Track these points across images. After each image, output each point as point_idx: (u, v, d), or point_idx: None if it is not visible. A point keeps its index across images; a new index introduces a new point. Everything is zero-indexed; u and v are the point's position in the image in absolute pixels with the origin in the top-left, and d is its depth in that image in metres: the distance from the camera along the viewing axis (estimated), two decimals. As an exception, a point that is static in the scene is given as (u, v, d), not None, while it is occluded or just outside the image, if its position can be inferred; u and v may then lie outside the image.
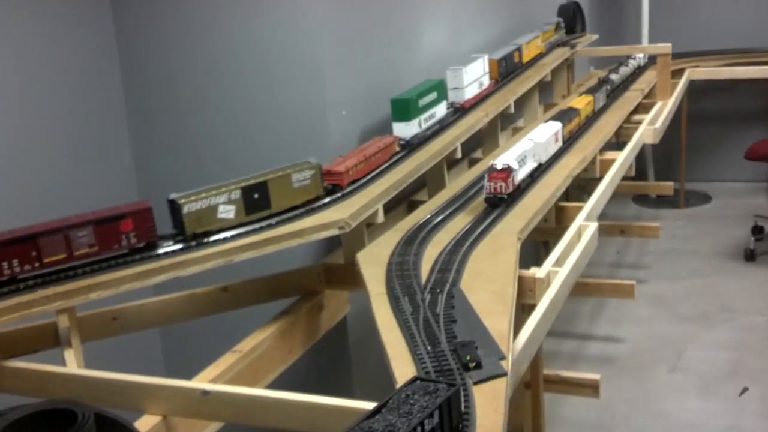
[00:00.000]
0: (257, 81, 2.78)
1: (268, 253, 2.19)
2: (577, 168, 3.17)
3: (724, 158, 7.07)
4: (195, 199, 2.11)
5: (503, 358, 1.61)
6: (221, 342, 2.25)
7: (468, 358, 1.56)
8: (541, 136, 2.97)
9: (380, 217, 2.50)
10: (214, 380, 1.99)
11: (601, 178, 3.39)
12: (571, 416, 3.62)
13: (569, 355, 4.19)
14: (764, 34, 6.70)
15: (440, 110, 3.14)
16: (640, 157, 5.46)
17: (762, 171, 6.89)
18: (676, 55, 5.96)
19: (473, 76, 3.38)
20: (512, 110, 3.72)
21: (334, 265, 2.60)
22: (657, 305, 4.73)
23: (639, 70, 5.36)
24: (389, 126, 2.88)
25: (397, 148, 2.79)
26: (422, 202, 3.01)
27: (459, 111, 3.30)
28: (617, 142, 4.15)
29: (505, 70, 3.83)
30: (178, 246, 2.12)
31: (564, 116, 3.37)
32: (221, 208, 2.13)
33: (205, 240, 2.13)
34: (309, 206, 2.33)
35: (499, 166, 2.58)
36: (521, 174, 2.70)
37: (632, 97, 4.64)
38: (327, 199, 2.39)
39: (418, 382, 1.37)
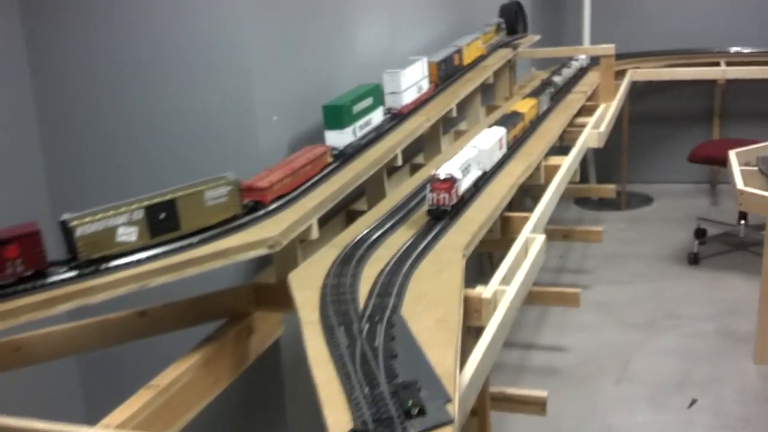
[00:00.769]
0: (179, 83, 2.55)
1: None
2: (523, 175, 3.02)
3: (666, 160, 7.05)
4: (90, 220, 1.86)
5: (449, 400, 1.43)
6: (145, 372, 2.04)
7: (410, 403, 1.38)
8: (485, 142, 2.81)
9: (314, 233, 2.31)
10: (123, 424, 1.77)
11: (546, 185, 3.26)
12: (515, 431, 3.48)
13: (513, 367, 4.05)
14: (705, 35, 6.68)
15: (376, 117, 2.94)
16: (582, 159, 5.36)
17: (704, 172, 6.89)
18: (617, 56, 5.89)
19: (411, 80, 3.19)
20: (455, 114, 3.57)
21: (265, 285, 2.40)
22: (602, 312, 4.63)
23: (581, 72, 5.26)
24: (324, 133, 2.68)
25: (330, 159, 2.58)
26: (361, 212, 2.83)
27: (397, 117, 3.10)
28: (561, 146, 4.03)
29: (445, 74, 3.65)
30: (72, 274, 1.87)
31: (508, 121, 3.22)
32: (121, 230, 1.90)
33: (103, 266, 1.90)
34: (226, 226, 2.10)
35: (441, 176, 2.41)
36: (465, 184, 2.54)
37: (575, 99, 4.53)
38: (246, 218, 2.15)
39: (354, 438, 1.19)
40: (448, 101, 3.49)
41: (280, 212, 2.24)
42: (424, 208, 2.45)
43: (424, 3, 4.17)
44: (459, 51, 3.83)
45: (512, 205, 2.90)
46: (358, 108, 2.74)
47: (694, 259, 5.27)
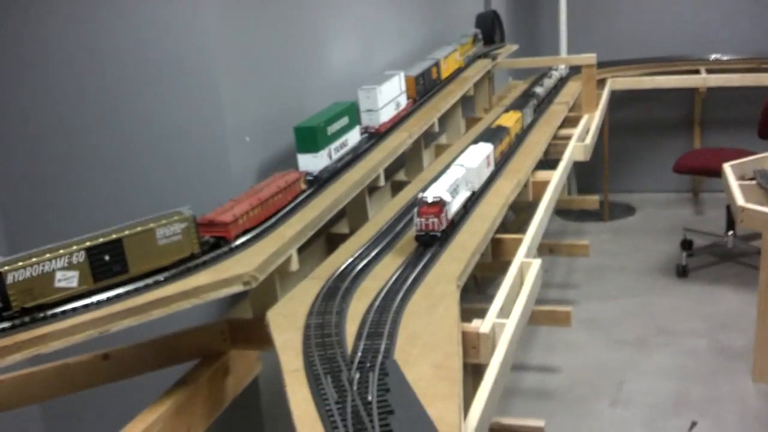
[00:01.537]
0: (145, 103, 2.35)
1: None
2: (513, 193, 2.85)
3: (648, 169, 6.93)
4: (23, 265, 1.65)
5: (456, 465, 1.25)
6: (112, 421, 1.84)
7: (413, 472, 1.20)
8: (473, 160, 2.63)
9: (294, 265, 2.11)
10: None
11: (535, 202, 3.10)
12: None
13: (504, 390, 3.86)
14: (684, 42, 6.58)
15: (353, 137, 2.74)
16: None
17: (686, 181, 6.77)
18: (597, 65, 5.77)
19: (389, 96, 3.00)
20: (437, 129, 3.39)
21: (241, 321, 2.20)
22: (591, 329, 4.47)
23: (561, 82, 5.12)
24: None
25: (303, 186, 2.37)
26: (342, 236, 2.65)
27: (374, 136, 2.90)
28: (546, 160, 3.87)
29: (423, 88, 3.46)
30: (5, 325, 1.66)
31: (494, 136, 3.05)
32: (59, 274, 1.68)
33: (41, 315, 1.69)
34: (182, 267, 1.88)
35: (429, 200, 2.23)
36: (454, 206, 2.36)
37: (558, 111, 4.38)
38: (206, 257, 1.94)
39: None
40: (429, 116, 3.32)
41: (255, 243, 2.05)
42: (412, 232, 2.28)
43: (397, 15, 3.98)
44: (437, 64, 3.66)
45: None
46: (333, 128, 2.53)
47: (682, 272, 5.13)
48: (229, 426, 2.41)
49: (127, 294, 1.80)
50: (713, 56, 6.44)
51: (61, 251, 1.69)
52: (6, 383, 1.94)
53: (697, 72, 6.23)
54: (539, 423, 2.94)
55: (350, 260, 2.18)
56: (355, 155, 2.70)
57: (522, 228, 2.79)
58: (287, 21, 2.74)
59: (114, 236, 1.76)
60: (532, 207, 2.98)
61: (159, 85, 2.33)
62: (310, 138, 2.42)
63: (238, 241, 2.01)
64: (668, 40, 6.63)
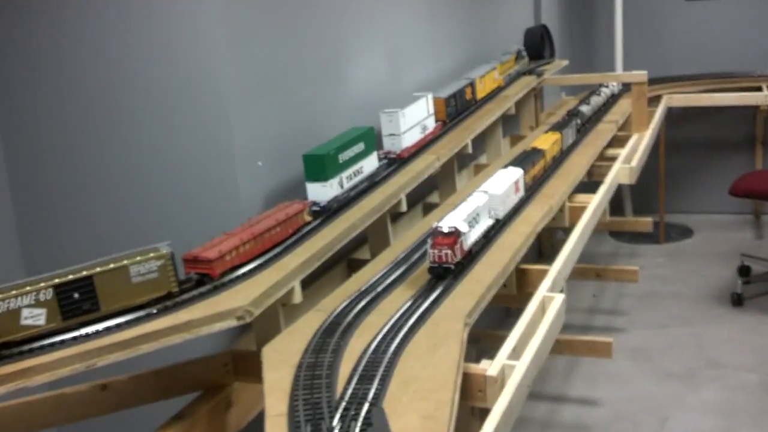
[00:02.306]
0: (153, 127, 2.31)
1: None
2: (543, 221, 2.73)
3: (706, 189, 6.67)
4: None
5: None
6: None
7: None
8: (498, 186, 2.52)
9: (297, 297, 2.04)
10: None
11: (571, 228, 2.96)
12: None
13: (541, 423, 3.73)
14: (744, 57, 6.32)
15: (369, 164, 2.62)
16: (616, 190, 5.05)
17: (747, 203, 6.50)
18: (652, 81, 5.58)
19: (414, 120, 2.89)
20: (470, 150, 3.28)
21: (245, 353, 2.13)
22: (637, 359, 4.28)
23: (612, 99, 4.96)
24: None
25: (307, 218, 2.27)
26: (363, 262, 2.57)
27: (395, 162, 2.78)
28: (590, 182, 3.72)
29: (455, 110, 3.34)
30: None
31: (526, 160, 2.93)
32: (26, 312, 1.63)
33: (7, 352, 1.65)
34: (159, 305, 1.81)
35: (444, 230, 2.13)
36: (472, 237, 2.25)
37: (605, 129, 4.22)
38: (185, 296, 1.86)
39: None
40: (462, 137, 3.21)
41: (256, 274, 1.98)
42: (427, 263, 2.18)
43: (432, 32, 3.83)
44: (471, 84, 3.53)
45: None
46: (345, 156, 2.44)
47: (737, 300, 4.90)
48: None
49: (117, 327, 1.75)
50: (777, 73, 6.18)
51: (28, 288, 1.64)
52: (1, 413, 1.91)
53: (759, 89, 5.97)
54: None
55: (358, 292, 2.09)
56: (371, 183, 2.60)
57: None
58: (304, 40, 2.66)
59: (84, 273, 1.71)
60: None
61: (165, 107, 2.28)
62: (319, 166, 2.33)
63: (226, 278, 1.93)
64: (729, 55, 6.39)
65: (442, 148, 3.04)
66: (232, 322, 1.80)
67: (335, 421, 1.45)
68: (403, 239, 2.57)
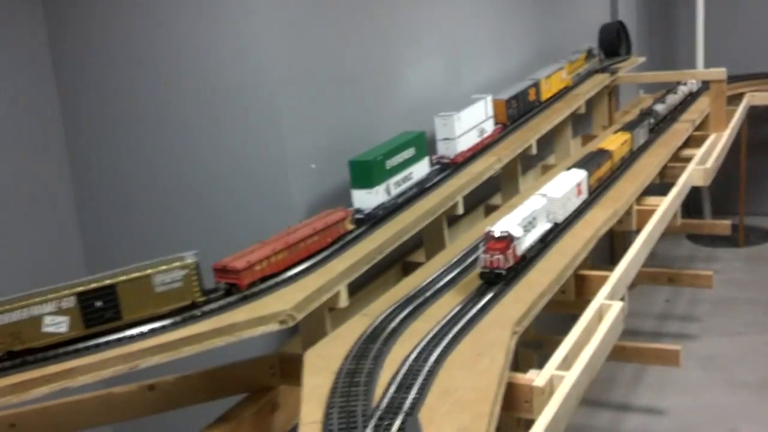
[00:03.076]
0: (205, 128, 2.32)
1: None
2: (606, 225, 2.64)
3: (790, 191, 6.42)
4: (9, 308, 1.62)
5: None
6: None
7: None
8: (558, 189, 2.45)
9: (343, 301, 2.01)
10: None
11: (638, 231, 2.86)
12: None
13: (603, 431, 3.63)
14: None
15: (420, 169, 2.55)
16: (694, 190, 4.88)
17: (833, 206, 6.22)
18: (733, 78, 5.37)
19: (470, 123, 2.80)
20: (534, 151, 3.19)
21: (292, 355, 2.11)
22: (708, 368, 4.13)
23: (691, 97, 4.78)
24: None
25: (350, 226, 2.21)
26: (418, 264, 2.53)
27: (449, 167, 2.69)
28: (663, 184, 3.59)
29: (517, 112, 3.23)
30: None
31: (591, 162, 2.85)
32: (48, 319, 1.64)
33: (31, 358, 1.66)
34: (182, 315, 1.80)
35: (497, 234, 2.07)
36: (527, 241, 2.19)
37: (681, 129, 4.08)
38: (213, 305, 1.83)
39: None
40: (526, 138, 3.13)
41: (304, 277, 1.96)
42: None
43: (495, 32, 3.73)
44: (536, 84, 3.44)
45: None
46: (393, 162, 2.38)
47: (818, 308, 4.69)
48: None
49: (161, 329, 1.76)
50: None
51: (51, 296, 1.66)
52: (50, 410, 1.94)
53: None
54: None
55: (406, 297, 2.06)
56: (421, 189, 2.53)
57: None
58: (356, 42, 2.62)
59: (107, 282, 1.71)
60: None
61: (219, 111, 2.28)
62: (365, 173, 2.27)
63: (256, 288, 1.90)
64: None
65: (504, 149, 2.97)
66: (274, 326, 1.79)
67: (368, 430, 1.42)
68: (459, 242, 2.52)
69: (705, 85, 4.91)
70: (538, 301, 2.03)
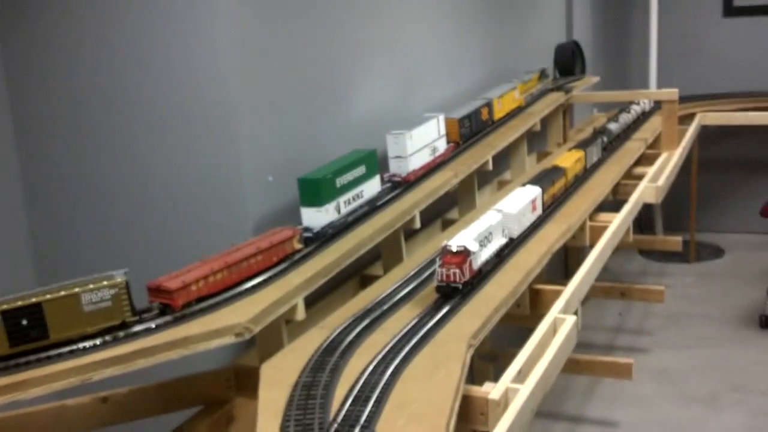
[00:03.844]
0: (166, 139, 2.31)
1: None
2: (559, 241, 2.69)
3: (739, 208, 6.56)
4: None
5: None
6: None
7: None
8: (513, 205, 2.49)
9: (300, 314, 2.02)
10: None
11: (591, 247, 2.91)
12: None
13: (557, 444, 3.67)
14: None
15: (371, 187, 2.51)
16: (647, 207, 4.96)
17: (780, 224, 6.37)
18: (685, 98, 5.50)
19: (422, 142, 2.79)
20: (490, 167, 3.23)
21: (248, 368, 2.11)
22: (660, 381, 4.20)
23: (643, 116, 4.88)
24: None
25: (298, 246, 2.16)
26: (375, 278, 2.54)
27: (400, 186, 2.67)
28: (616, 201, 3.66)
29: (470, 131, 3.22)
30: None
31: (545, 178, 2.89)
32: None
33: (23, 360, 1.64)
34: (111, 334, 1.76)
35: (453, 248, 2.10)
36: (483, 256, 2.21)
37: (634, 147, 4.16)
38: (141, 326, 1.79)
39: None
40: (483, 154, 3.16)
41: (260, 290, 1.96)
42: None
43: (451, 51, 3.73)
44: (489, 104, 3.44)
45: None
46: (343, 180, 2.34)
47: (765, 323, 4.79)
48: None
49: (115, 341, 1.74)
50: (814, 92, 6.05)
51: None
52: (1, 423, 1.91)
53: (795, 108, 5.85)
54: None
55: (364, 310, 2.07)
56: (372, 207, 2.50)
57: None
58: (313, 58, 2.59)
59: (33, 300, 1.68)
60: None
61: (177, 122, 2.28)
62: (314, 191, 2.23)
63: (190, 309, 1.86)
64: (765, 73, 6.27)
65: (461, 165, 3.00)
66: (230, 339, 1.79)
67: (324, 445, 1.43)
68: (416, 256, 2.54)
69: (657, 105, 5.01)
70: (494, 315, 2.05)
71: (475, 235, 2.18)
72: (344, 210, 2.36)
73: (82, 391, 1.90)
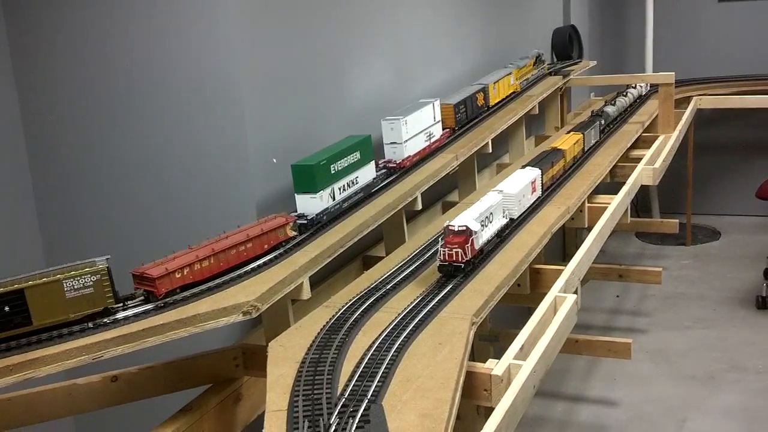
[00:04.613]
0: (170, 123, 2.33)
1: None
2: (559, 221, 2.72)
3: (735, 191, 6.60)
4: None
5: None
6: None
7: None
8: (513, 186, 2.52)
9: (305, 293, 2.05)
10: None
11: (590, 228, 2.94)
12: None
13: (558, 422, 3.72)
14: (777, 59, 6.23)
15: (366, 174, 2.50)
16: (644, 190, 5.00)
17: (776, 206, 6.41)
18: (681, 82, 5.53)
19: (418, 128, 2.78)
20: (490, 149, 3.26)
21: (255, 347, 2.14)
22: (658, 361, 4.25)
23: (640, 100, 4.91)
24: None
25: (291, 233, 2.15)
26: (378, 259, 2.58)
27: (395, 172, 2.67)
28: (614, 183, 3.70)
29: (465, 117, 3.22)
30: None
31: (545, 160, 2.92)
32: None
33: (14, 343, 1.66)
34: (95, 321, 1.78)
35: (455, 228, 2.13)
36: (485, 236, 2.25)
37: (630, 131, 4.19)
38: (125, 313, 1.81)
39: None
40: (482, 136, 3.19)
41: (266, 269, 2.00)
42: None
43: (448, 38, 3.74)
44: (484, 90, 3.43)
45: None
46: (337, 166, 2.33)
47: (762, 303, 4.84)
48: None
49: (124, 320, 1.78)
50: (810, 75, 6.07)
51: None
52: (13, 402, 1.94)
53: (791, 91, 5.88)
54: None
55: (368, 288, 2.10)
56: (367, 194, 2.50)
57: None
58: (314, 44, 2.61)
59: (15, 286, 1.69)
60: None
61: (182, 106, 2.30)
62: (308, 177, 2.22)
63: (176, 296, 1.87)
64: (761, 57, 6.29)
65: (461, 147, 3.03)
66: (237, 317, 1.82)
67: (333, 418, 1.46)
68: (418, 237, 2.57)
69: (654, 89, 5.05)
70: (496, 293, 2.09)
71: (477, 215, 2.22)
72: (339, 196, 2.35)
73: (92, 370, 1.94)
